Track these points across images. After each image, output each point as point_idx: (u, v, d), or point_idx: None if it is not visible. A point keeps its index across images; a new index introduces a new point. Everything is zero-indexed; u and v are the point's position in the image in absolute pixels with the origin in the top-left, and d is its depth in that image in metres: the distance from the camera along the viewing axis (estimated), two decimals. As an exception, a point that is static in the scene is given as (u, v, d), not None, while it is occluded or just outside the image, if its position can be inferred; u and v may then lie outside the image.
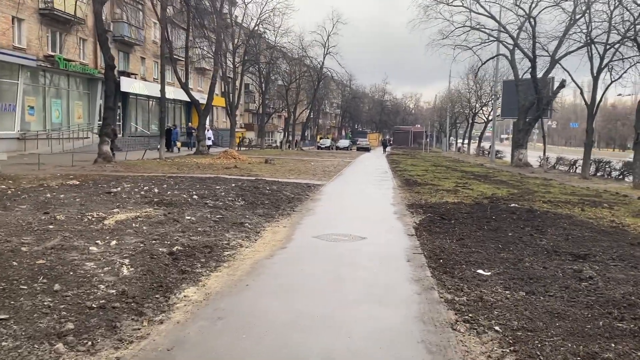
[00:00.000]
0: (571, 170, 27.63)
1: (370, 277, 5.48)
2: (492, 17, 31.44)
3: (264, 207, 9.95)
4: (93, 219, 7.37)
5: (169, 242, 6.38)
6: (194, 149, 31.32)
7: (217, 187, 12.34)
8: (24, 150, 24.80)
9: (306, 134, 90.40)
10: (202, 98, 49.36)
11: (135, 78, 37.40)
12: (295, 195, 12.17)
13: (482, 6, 30.66)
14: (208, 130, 32.31)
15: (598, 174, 25.02)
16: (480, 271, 5.82)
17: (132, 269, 5.16)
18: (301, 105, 58.86)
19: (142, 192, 10.71)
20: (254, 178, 15.91)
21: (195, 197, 10.44)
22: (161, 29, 25.11)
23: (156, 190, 11.12)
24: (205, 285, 4.99)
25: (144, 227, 7.12)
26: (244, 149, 44.66)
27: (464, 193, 13.77)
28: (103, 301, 4.23)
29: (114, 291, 4.50)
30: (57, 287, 4.44)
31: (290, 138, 54.37)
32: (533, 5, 28.15)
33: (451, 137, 74.29)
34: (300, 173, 19.50)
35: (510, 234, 8.00)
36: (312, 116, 76.86)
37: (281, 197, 11.65)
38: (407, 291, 5.03)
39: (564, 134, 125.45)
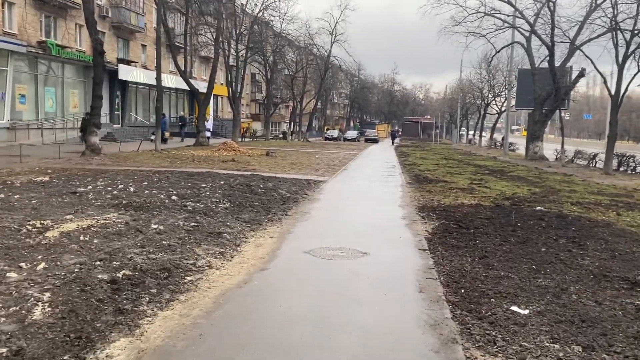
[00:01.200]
0: (591, 165, 26.02)
1: (370, 321, 4.11)
2: (508, 2, 29.68)
3: (252, 211, 8.60)
4: (34, 230, 6.06)
5: (117, 263, 5.05)
6: (185, 140, 30.07)
7: (204, 184, 11.00)
8: (14, 140, 23.61)
9: (314, 125, 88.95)
10: (204, 88, 48.20)
11: (136, 66, 36.10)
12: (291, 195, 10.82)
13: (497, -10, 28.85)
14: (207, 120, 30.97)
15: (621, 169, 23.40)
16: (515, 308, 4.45)
17: (50, 308, 3.84)
18: (308, 96, 57.31)
19: (115, 192, 9.41)
20: (249, 173, 14.57)
21: (174, 197, 9.12)
22: (157, 11, 23.65)
23: (132, 189, 9.81)
24: (144, 334, 3.65)
25: (95, 241, 5.80)
26: (248, 139, 43.34)
27: (480, 192, 12.34)
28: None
29: (4, 350, 3.18)
30: None
31: (297, 129, 52.92)
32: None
33: (462, 129, 72.45)
34: (301, 167, 18.13)
35: (543, 249, 6.60)
36: (319, 106, 75.39)
37: (275, 197, 10.30)
38: (420, 346, 3.66)
39: (576, 126, 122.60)
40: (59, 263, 4.92)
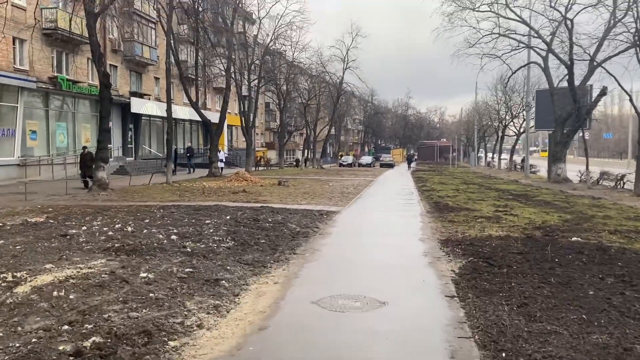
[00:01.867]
0: (619, 186, 24.76)
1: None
2: (524, 22, 29.06)
3: (257, 250, 7.81)
4: (2, 285, 5.34)
5: (89, 327, 4.27)
6: (196, 171, 29.59)
7: (208, 221, 10.26)
8: (25, 177, 23.35)
9: (328, 151, 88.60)
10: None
11: (149, 99, 36.10)
12: (301, 229, 10.02)
13: (512, 10, 28.29)
14: (220, 151, 30.53)
15: (653, 190, 22.11)
16: (573, 381, 3.54)
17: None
18: (322, 122, 56.99)
19: (110, 232, 8.71)
20: (259, 205, 13.83)
21: (173, 237, 8.38)
22: (166, 42, 23.45)
23: (130, 229, 9.11)
24: None
25: (70, 297, 5.05)
26: (262, 168, 42.88)
27: (508, 221, 11.39)
28: None
29: None
30: None
31: (310, 156, 52.39)
32: (570, 5, 25.65)
33: (479, 151, 71.27)
34: (314, 197, 17.36)
35: (591, 292, 5.66)
36: (333, 133, 75.04)
37: (284, 232, 9.51)
38: None
39: (595, 145, 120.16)
40: (19, 329, 4.16)
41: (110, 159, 30.40)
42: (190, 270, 6.31)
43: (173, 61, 26.06)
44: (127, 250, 7.22)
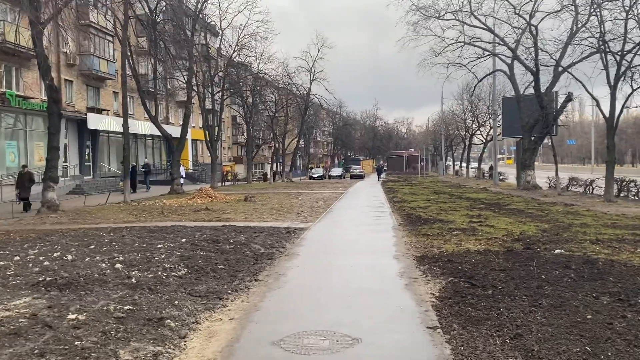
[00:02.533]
0: (588, 192, 24.76)
1: None
2: (489, 29, 29.10)
3: (214, 278, 6.93)
4: None
5: (-17, 396, 3.35)
6: (149, 188, 28.39)
7: (161, 245, 9.29)
8: (-29, 200, 21.75)
9: (298, 164, 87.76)
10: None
11: (108, 114, 34.68)
12: (266, 250, 9.18)
13: (477, 18, 28.27)
14: (180, 166, 29.32)
15: (621, 195, 22.13)
16: None
17: None
18: (291, 135, 56.25)
19: (46, 263, 7.68)
20: (221, 224, 12.91)
21: (118, 266, 7.41)
22: (122, 52, 22.35)
23: (70, 257, 8.08)
24: None
25: (-30, 353, 4.08)
26: (230, 183, 41.74)
27: (484, 233, 10.81)
28: None
29: None
30: None
31: (279, 169, 51.51)
32: (533, 11, 25.76)
33: (447, 160, 71.74)
34: (282, 212, 16.52)
35: (589, 316, 5.00)
36: (303, 145, 74.34)
37: (246, 254, 8.65)
38: None
39: (559, 152, 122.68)
40: None
41: (66, 178, 28.91)
42: (131, 307, 5.38)
43: (130, 73, 24.93)
44: (59, 285, 6.24)
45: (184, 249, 8.90)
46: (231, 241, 9.89)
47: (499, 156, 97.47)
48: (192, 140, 47.60)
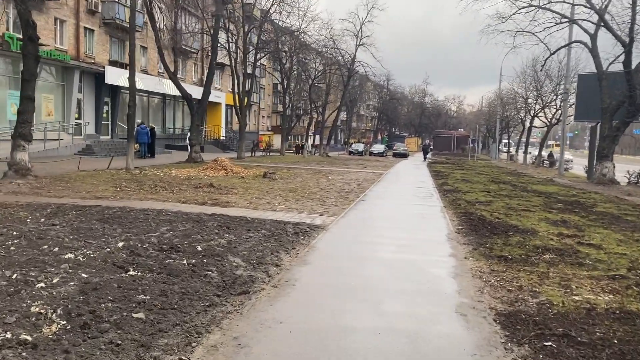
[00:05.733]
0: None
1: None
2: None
3: (104, 354, 3.45)
4: None
5: None
6: (151, 156, 25.37)
7: (70, 255, 5.82)
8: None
9: (339, 138, 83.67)
10: (216, 97, 43.65)
11: (133, 70, 31.73)
12: (245, 272, 5.67)
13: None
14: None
15: None
16: None
17: None
18: (333, 107, 52.15)
19: None
20: (210, 212, 9.48)
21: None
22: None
23: None
24: None
25: None
26: (261, 154, 38.50)
27: (595, 261, 6.90)
28: None
29: None
30: None
31: (314, 142, 47.83)
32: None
33: (501, 143, 66.15)
34: (301, 197, 12.97)
35: None
36: (345, 118, 70.14)
37: (208, 281, 5.17)
38: None
39: (621, 141, 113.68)
40: None
41: (77, 137, 26.27)
42: None
43: (149, 21, 21.66)
44: None
45: (108, 262, 5.48)
46: (199, 249, 6.41)
47: (551, 142, 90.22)
48: (227, 105, 44.52)
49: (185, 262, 5.75)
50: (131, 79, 17.91)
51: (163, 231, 7.39)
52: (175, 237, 7.05)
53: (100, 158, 22.67)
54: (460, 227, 9.65)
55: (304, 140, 50.15)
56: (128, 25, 29.89)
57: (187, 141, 25.38)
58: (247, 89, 31.44)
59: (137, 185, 13.46)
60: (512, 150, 60.89)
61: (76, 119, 26.41)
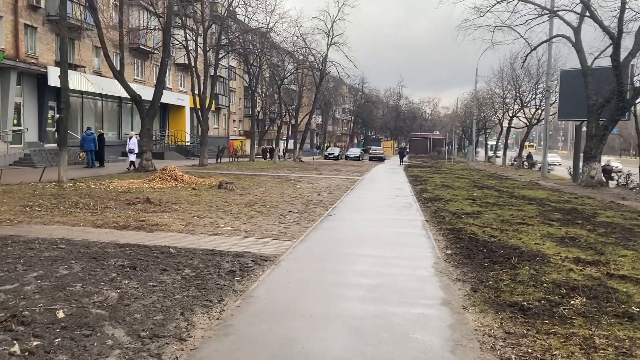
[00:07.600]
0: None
1: None
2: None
3: None
4: None
5: None
6: (99, 165, 22.93)
7: None
8: None
9: (315, 142, 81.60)
10: (179, 99, 41.08)
11: (84, 71, 29.11)
12: (116, 362, 3.43)
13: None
14: (130, 138, 23.57)
15: None
16: None
17: None
18: (306, 110, 49.97)
19: None
20: (121, 244, 7.19)
21: None
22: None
23: None
24: None
25: None
26: (228, 160, 36.08)
27: (633, 304, 4.89)
28: None
29: None
30: None
31: (286, 147, 45.60)
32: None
33: (478, 145, 64.94)
34: (257, 213, 10.74)
35: None
36: (320, 122, 68.14)
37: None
38: None
39: (609, 141, 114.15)
40: None
41: (16, 145, 23.56)
42: None
43: (89, 12, 19.17)
44: None
45: None
46: (61, 315, 4.15)
47: (527, 143, 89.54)
48: (192, 109, 41.95)
49: (15, 348, 3.48)
50: (63, 76, 15.55)
51: (27, 279, 5.10)
52: (39, 290, 4.78)
53: (38, 168, 20.05)
54: (449, 252, 7.56)
55: (272, 145, 47.85)
56: (75, 23, 27.47)
57: (127, 148, 22.92)
58: (211, 90, 29.07)
59: (54, 202, 11.05)
60: (491, 152, 59.62)
61: (15, 124, 23.67)
